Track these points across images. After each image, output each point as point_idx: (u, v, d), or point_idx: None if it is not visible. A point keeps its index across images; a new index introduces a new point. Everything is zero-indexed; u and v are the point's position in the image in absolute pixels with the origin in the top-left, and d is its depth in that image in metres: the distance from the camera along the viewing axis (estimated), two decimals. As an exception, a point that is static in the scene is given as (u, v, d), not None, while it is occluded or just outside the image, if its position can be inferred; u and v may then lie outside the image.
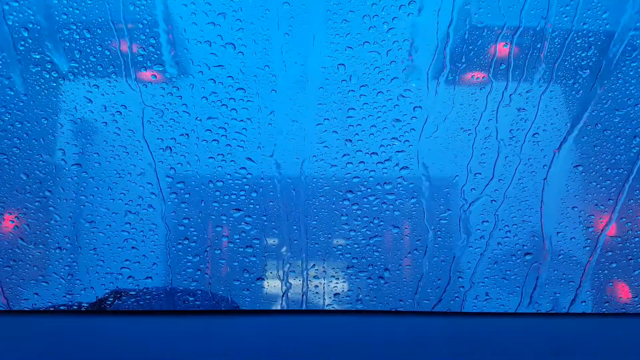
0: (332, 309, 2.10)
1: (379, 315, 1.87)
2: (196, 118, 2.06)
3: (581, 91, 2.07)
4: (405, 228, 2.15)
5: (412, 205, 2.13)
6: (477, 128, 2.09)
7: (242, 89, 2.07)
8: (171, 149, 2.06)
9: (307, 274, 2.11)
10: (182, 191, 2.09)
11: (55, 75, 1.98)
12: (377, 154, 2.11)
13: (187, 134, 2.07)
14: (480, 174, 2.12)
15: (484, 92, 2.09)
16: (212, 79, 2.06)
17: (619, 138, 2.10)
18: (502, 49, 2.08)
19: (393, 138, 2.10)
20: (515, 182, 2.10)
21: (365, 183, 2.12)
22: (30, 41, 1.94)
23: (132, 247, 2.02)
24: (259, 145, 2.10)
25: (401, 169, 2.11)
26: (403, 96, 2.09)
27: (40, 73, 1.97)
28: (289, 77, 2.10)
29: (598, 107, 2.08)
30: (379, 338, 1.61)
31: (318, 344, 1.57)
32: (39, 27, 1.94)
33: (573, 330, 1.70)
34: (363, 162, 2.12)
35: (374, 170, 2.11)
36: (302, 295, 2.10)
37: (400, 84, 2.09)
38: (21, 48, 1.93)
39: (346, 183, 2.12)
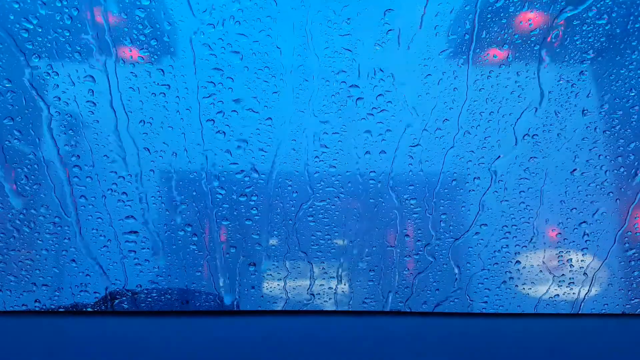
0: (332, 309, 2.10)
1: (379, 316, 1.87)
2: (198, 119, 2.06)
3: (579, 92, 2.08)
4: (406, 229, 2.15)
5: (412, 206, 2.13)
6: (477, 129, 2.10)
7: (243, 90, 2.08)
8: (172, 152, 2.07)
9: (308, 274, 2.11)
10: (182, 193, 2.09)
11: (56, 78, 1.99)
12: (377, 155, 2.11)
13: (186, 136, 2.07)
14: (479, 175, 2.12)
15: (483, 94, 2.09)
16: (212, 82, 2.06)
17: (619, 140, 2.10)
18: (500, 52, 2.09)
19: (393, 139, 2.11)
20: (515, 183, 2.11)
21: (365, 184, 2.12)
22: (29, 43, 1.94)
23: (131, 250, 2.02)
24: (260, 147, 2.10)
25: (401, 170, 2.11)
26: (403, 98, 2.10)
27: (41, 75, 1.97)
28: (290, 78, 2.10)
29: (596, 109, 2.09)
30: (379, 338, 1.61)
31: (318, 344, 1.57)
32: (40, 30, 1.94)
33: (573, 331, 1.71)
34: (364, 163, 2.12)
35: (374, 171, 2.12)
36: (303, 296, 2.10)
37: (400, 85, 2.10)
38: (20, 49, 1.93)
39: (346, 184, 2.12)
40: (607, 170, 2.11)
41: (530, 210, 2.11)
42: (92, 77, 1.97)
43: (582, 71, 2.08)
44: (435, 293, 2.09)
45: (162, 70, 2.03)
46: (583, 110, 2.08)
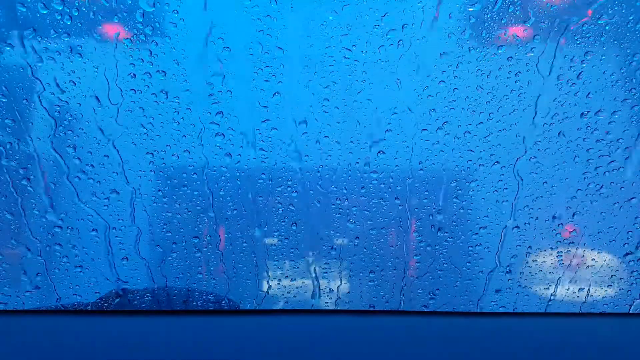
0: (332, 308, 2.10)
1: (379, 316, 1.87)
2: (198, 119, 2.06)
3: (579, 92, 2.08)
4: (406, 229, 2.15)
5: (412, 207, 2.13)
6: (477, 129, 2.10)
7: (244, 91, 2.08)
8: (173, 152, 2.07)
9: (308, 274, 2.11)
10: (183, 192, 2.10)
11: (58, 78, 1.99)
12: (377, 155, 2.11)
13: (187, 136, 2.07)
14: (479, 175, 2.12)
15: (483, 94, 2.10)
16: (211, 82, 2.07)
17: (619, 140, 2.10)
18: (500, 52, 2.10)
19: (394, 139, 2.11)
20: (515, 184, 2.11)
21: (366, 184, 2.12)
22: (29, 44, 1.94)
23: (131, 251, 2.02)
24: (262, 147, 2.11)
25: (401, 170, 2.12)
26: (403, 98, 2.10)
27: (43, 78, 1.97)
28: (291, 80, 2.11)
29: (596, 109, 2.09)
30: (379, 338, 1.60)
31: (318, 344, 1.57)
32: (40, 30, 1.94)
33: (573, 330, 1.70)
34: (365, 164, 2.12)
35: (375, 172, 2.12)
36: (303, 295, 2.10)
37: (400, 85, 2.10)
38: (20, 48, 1.94)
39: (348, 184, 2.12)
40: (606, 171, 2.11)
41: (530, 210, 2.12)
42: (94, 80, 1.97)
43: (582, 71, 2.08)
44: (436, 293, 2.09)
45: (164, 70, 2.03)
46: (583, 111, 2.08)
